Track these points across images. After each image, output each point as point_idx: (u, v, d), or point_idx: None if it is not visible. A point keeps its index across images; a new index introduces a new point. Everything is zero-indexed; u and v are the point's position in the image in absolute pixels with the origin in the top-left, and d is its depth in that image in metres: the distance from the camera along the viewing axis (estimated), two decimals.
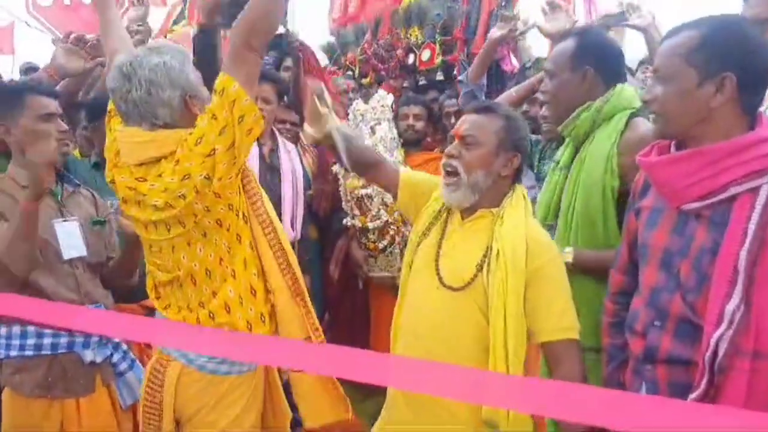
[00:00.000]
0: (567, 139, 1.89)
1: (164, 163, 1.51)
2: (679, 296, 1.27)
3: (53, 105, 1.91)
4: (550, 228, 1.84)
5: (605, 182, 1.70)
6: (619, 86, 1.78)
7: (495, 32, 2.68)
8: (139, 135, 1.54)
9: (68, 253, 1.87)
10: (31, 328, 1.83)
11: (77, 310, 1.57)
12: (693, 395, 1.19)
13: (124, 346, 2.02)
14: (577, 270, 1.69)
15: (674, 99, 1.30)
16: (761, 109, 1.34)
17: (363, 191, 2.91)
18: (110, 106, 1.65)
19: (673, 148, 1.36)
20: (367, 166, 1.80)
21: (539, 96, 1.90)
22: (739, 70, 1.23)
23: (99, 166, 2.38)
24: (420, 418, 1.55)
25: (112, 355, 1.96)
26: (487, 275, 1.48)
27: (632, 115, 1.76)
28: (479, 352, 1.48)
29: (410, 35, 3.42)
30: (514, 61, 3.07)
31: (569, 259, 1.71)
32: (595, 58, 1.77)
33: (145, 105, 1.52)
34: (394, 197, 1.77)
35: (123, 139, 1.58)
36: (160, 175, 1.50)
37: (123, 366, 1.98)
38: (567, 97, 1.80)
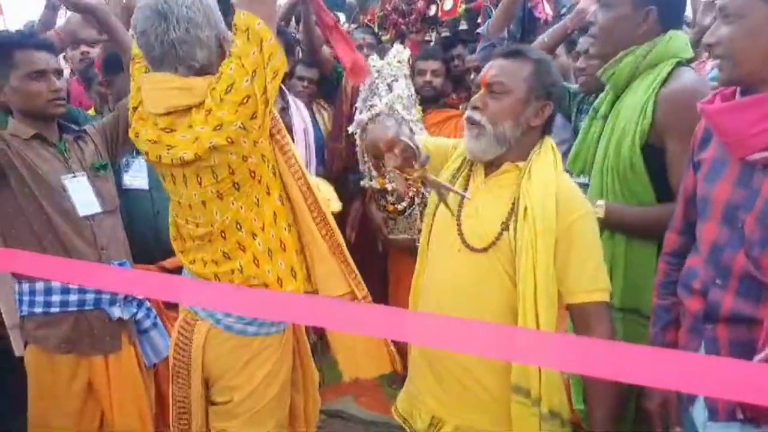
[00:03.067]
0: (607, 87, 1.75)
1: (194, 112, 1.40)
2: (743, 252, 1.18)
3: (44, 60, 1.79)
4: (584, 186, 1.73)
5: (635, 133, 1.58)
6: (670, 32, 1.64)
7: None
8: (172, 81, 1.42)
9: (83, 210, 1.83)
10: (56, 284, 1.79)
11: (99, 268, 1.50)
12: (760, 356, 1.10)
13: (148, 304, 2.00)
14: (608, 225, 1.60)
15: (746, 38, 1.18)
16: None
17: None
18: (135, 50, 1.53)
19: (738, 95, 1.25)
20: None
21: (589, 35, 1.77)
22: None
23: None
24: (446, 386, 1.47)
25: (137, 312, 1.94)
26: (514, 234, 1.38)
27: (678, 64, 1.61)
28: (506, 317, 1.39)
29: None
30: (548, 8, 2.87)
31: (601, 214, 1.60)
32: None
33: (184, 46, 1.39)
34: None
35: (151, 85, 1.45)
36: (190, 126, 1.39)
37: (147, 323, 1.97)
38: (621, 35, 1.65)
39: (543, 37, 2.43)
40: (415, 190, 2.84)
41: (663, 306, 1.43)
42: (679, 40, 1.63)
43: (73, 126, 1.97)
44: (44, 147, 1.83)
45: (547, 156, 1.44)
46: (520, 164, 1.44)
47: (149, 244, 2.17)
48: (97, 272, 1.18)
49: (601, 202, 1.63)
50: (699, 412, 1.27)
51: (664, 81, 1.58)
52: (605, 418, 1.36)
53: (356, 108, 2.89)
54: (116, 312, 1.85)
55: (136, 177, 2.23)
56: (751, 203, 1.17)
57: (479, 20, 3.06)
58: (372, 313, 0.78)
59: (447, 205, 1.45)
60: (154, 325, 1.99)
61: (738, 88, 1.25)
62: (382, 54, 2.89)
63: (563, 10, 2.90)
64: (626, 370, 0.61)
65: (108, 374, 1.84)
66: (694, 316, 1.28)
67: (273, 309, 0.98)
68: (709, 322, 1.23)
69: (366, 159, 2.89)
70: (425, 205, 2.83)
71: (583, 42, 2.24)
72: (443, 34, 3.22)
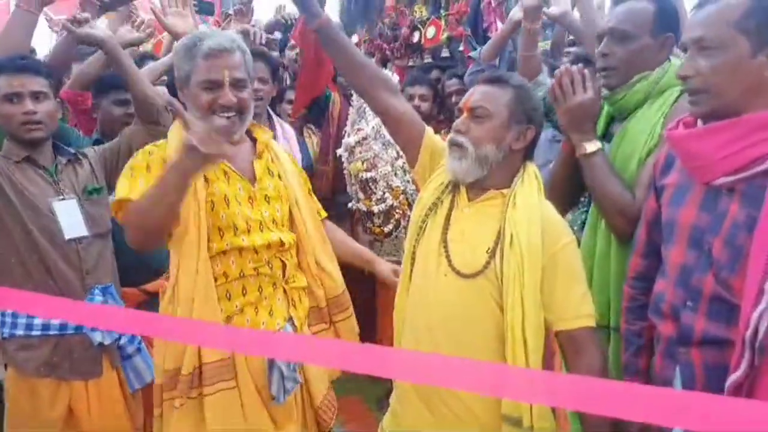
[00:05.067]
0: (603, 109, 1.78)
1: None
2: (712, 274, 1.21)
3: (19, 83, 1.77)
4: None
5: (642, 153, 1.60)
6: (674, 59, 1.68)
7: (517, 13, 2.58)
8: None
9: (69, 232, 1.83)
10: None
11: (76, 305, 1.50)
12: (733, 377, 1.13)
13: None
14: (586, 169, 1.62)
15: (724, 71, 1.20)
16: None
17: (367, 174, 2.86)
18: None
19: (699, 122, 1.29)
20: (361, 72, 1.67)
21: (598, 62, 1.71)
22: None
23: (101, 143, 2.29)
24: (434, 412, 1.47)
25: (119, 337, 1.92)
26: (501, 262, 1.40)
27: (682, 92, 1.63)
28: (494, 341, 1.41)
29: (415, 12, 3.32)
30: (501, 26, 2.96)
31: (592, 148, 1.61)
32: (675, 25, 1.65)
33: None
34: (413, 155, 1.65)
35: None
36: None
37: (130, 349, 1.95)
38: (642, 65, 1.64)
39: (479, 51, 2.54)
40: (401, 212, 2.88)
41: (633, 331, 1.45)
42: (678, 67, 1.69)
43: (69, 149, 1.97)
44: (34, 170, 1.84)
45: (531, 183, 1.47)
46: (505, 191, 1.47)
47: (133, 267, 2.14)
48: (76, 309, 1.23)
49: (598, 144, 1.64)
50: None
51: (671, 105, 1.60)
52: None
53: (345, 132, 2.94)
54: (97, 337, 1.84)
55: None
56: (718, 227, 1.20)
57: (461, 48, 3.14)
58: (362, 352, 0.79)
59: None
60: (138, 350, 1.98)
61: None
62: None
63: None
64: (607, 404, 0.64)
65: (88, 400, 1.83)
66: (667, 340, 1.30)
67: (259, 345, 1.00)
68: (683, 346, 1.25)
69: (353, 181, 2.93)
70: None
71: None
72: (426, 60, 3.30)
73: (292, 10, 3.42)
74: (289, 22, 3.05)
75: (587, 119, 1.64)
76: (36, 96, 1.80)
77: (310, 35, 2.60)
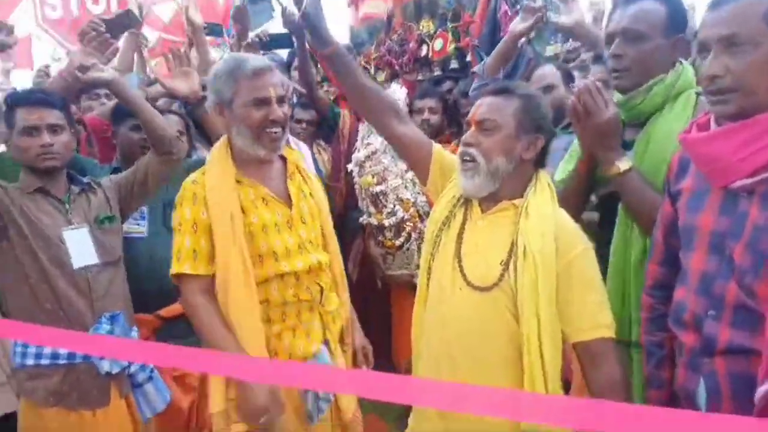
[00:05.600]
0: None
1: None
2: (735, 281, 1.16)
3: (37, 116, 1.82)
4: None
5: (672, 158, 1.53)
6: (685, 62, 1.64)
7: (517, 24, 2.56)
8: None
9: (78, 261, 1.84)
10: None
11: (83, 337, 1.53)
12: (764, 388, 1.07)
13: None
14: (621, 186, 1.57)
15: (757, 69, 1.14)
16: None
17: (378, 188, 2.86)
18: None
19: (713, 123, 1.25)
20: (369, 97, 1.67)
21: (610, 63, 1.67)
22: None
23: (120, 171, 2.30)
24: (453, 428, 1.45)
25: (129, 365, 1.91)
26: (515, 274, 1.37)
27: (698, 94, 1.60)
28: (511, 353, 1.38)
29: (422, 27, 3.33)
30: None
31: (626, 166, 1.55)
32: (684, 26, 1.61)
33: None
34: (424, 173, 1.65)
35: None
36: None
37: (141, 377, 1.94)
38: (654, 66, 1.60)
39: (482, 65, 2.53)
40: (411, 225, 2.86)
41: (653, 342, 1.41)
42: (690, 69, 1.64)
43: (83, 178, 1.99)
44: (47, 200, 1.86)
45: (543, 193, 1.46)
46: (517, 202, 1.45)
47: (147, 292, 2.14)
48: (86, 341, 1.26)
49: (630, 160, 1.58)
50: None
51: (694, 109, 1.57)
52: None
53: (355, 147, 2.94)
54: (105, 366, 1.82)
55: (135, 224, 2.24)
56: (739, 231, 1.16)
57: (468, 58, 3.14)
58: (384, 381, 0.81)
59: None
60: (150, 378, 1.96)
61: (712, 117, 1.25)
62: None
63: (531, 35, 2.97)
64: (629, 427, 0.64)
65: (97, 430, 1.81)
66: (690, 351, 1.25)
67: (278, 375, 1.03)
68: (707, 356, 1.21)
69: (363, 196, 2.93)
70: (422, 240, 2.89)
71: (596, 70, 2.24)
72: (435, 73, 3.30)
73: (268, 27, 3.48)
74: (264, 39, 3.07)
75: (615, 136, 1.59)
76: (53, 129, 1.85)
77: None
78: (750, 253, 1.14)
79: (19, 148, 1.83)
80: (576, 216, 1.79)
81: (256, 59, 1.72)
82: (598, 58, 2.35)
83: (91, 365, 1.82)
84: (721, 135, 1.20)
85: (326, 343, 1.76)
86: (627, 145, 1.63)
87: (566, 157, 1.86)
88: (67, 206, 1.89)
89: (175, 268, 1.64)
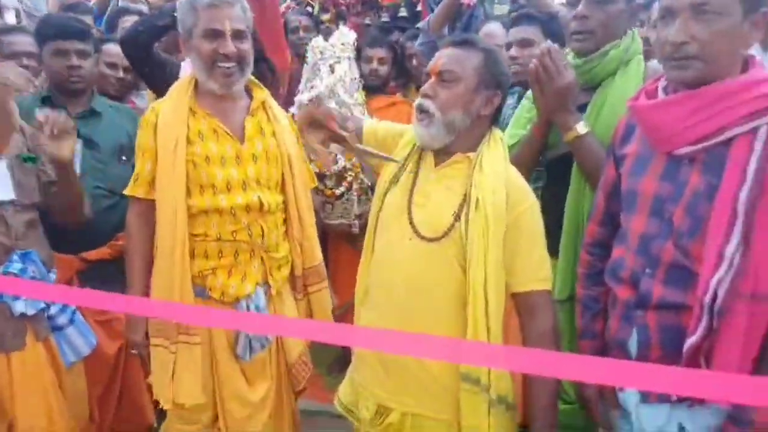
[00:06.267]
0: None
1: None
2: (672, 242, 1.24)
3: None
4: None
5: None
6: (634, 29, 1.68)
7: None
8: None
9: None
10: None
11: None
12: (691, 339, 1.18)
13: None
14: (578, 149, 1.62)
15: (723, 38, 1.18)
16: None
17: None
18: None
19: (661, 92, 1.30)
20: None
21: (572, 25, 1.68)
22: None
23: (49, 100, 2.14)
24: (393, 376, 1.48)
25: (48, 307, 1.80)
26: (466, 225, 1.40)
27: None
28: (457, 302, 1.42)
29: None
30: None
31: (583, 130, 1.61)
32: None
33: None
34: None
35: None
36: None
37: (62, 319, 1.83)
38: (615, 31, 1.62)
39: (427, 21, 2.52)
40: (353, 175, 2.83)
41: (590, 296, 1.48)
42: (638, 35, 1.69)
43: None
44: None
45: (497, 148, 1.47)
46: (471, 155, 1.46)
47: (78, 233, 2.02)
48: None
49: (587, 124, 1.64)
50: (630, 396, 1.35)
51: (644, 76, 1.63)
52: (548, 404, 1.42)
53: (298, 90, 2.84)
54: (19, 306, 1.71)
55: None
56: (679, 196, 1.23)
57: (418, 8, 3.08)
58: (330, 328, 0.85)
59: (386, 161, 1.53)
60: (71, 321, 1.87)
61: (660, 85, 1.30)
62: (327, 36, 2.84)
63: None
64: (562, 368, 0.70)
65: (11, 374, 1.71)
66: (624, 304, 1.33)
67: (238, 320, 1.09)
68: (640, 309, 1.29)
69: (304, 142, 2.85)
70: (363, 191, 2.88)
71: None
72: (383, 19, 3.22)
73: None
74: None
75: (572, 99, 1.63)
76: None
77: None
78: (688, 216, 1.22)
79: None
80: (527, 178, 1.85)
81: None
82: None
83: (3, 305, 1.70)
84: (669, 104, 1.25)
85: (267, 286, 1.76)
86: (580, 109, 1.68)
87: (512, 122, 1.90)
88: None
89: (125, 190, 1.75)
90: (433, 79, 1.47)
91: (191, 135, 1.66)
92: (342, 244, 2.91)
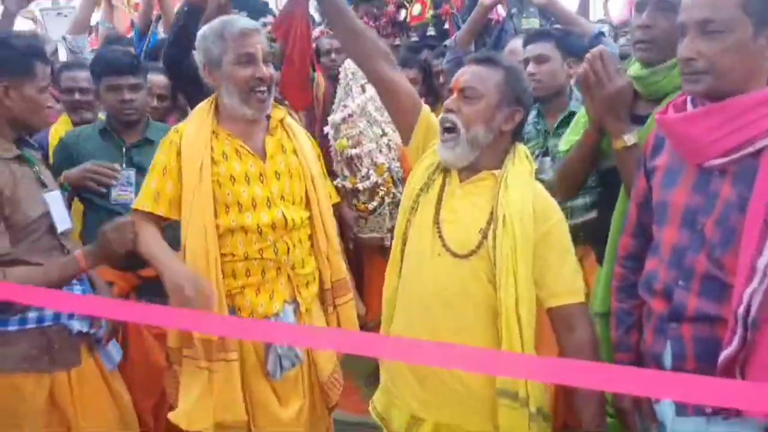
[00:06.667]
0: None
1: None
2: (705, 254, 1.25)
3: None
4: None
5: None
6: None
7: None
8: None
9: (61, 225, 1.76)
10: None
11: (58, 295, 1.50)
12: (726, 352, 1.18)
13: None
14: (623, 160, 1.60)
15: (730, 54, 1.20)
16: None
17: (353, 151, 2.86)
18: None
19: (689, 105, 1.31)
20: (361, 40, 1.65)
21: (635, 34, 1.61)
22: None
23: (106, 131, 2.27)
24: (429, 389, 1.50)
25: (92, 323, 1.87)
26: (494, 242, 1.43)
27: None
28: (488, 318, 1.45)
29: None
30: (500, 9, 2.99)
31: (632, 141, 1.57)
32: None
33: None
34: (407, 130, 1.64)
35: None
36: None
37: (101, 333, 1.91)
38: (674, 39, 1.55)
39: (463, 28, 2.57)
40: (385, 189, 2.89)
41: (624, 309, 1.48)
42: None
43: (30, 140, 1.89)
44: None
45: (522, 165, 1.50)
46: (496, 173, 1.49)
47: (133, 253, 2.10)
48: (55, 298, 1.28)
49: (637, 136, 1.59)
50: (666, 408, 1.35)
51: None
52: (595, 413, 1.43)
53: (331, 110, 2.93)
54: (76, 325, 1.79)
55: (123, 191, 2.19)
56: (710, 207, 1.24)
57: (446, 26, 3.14)
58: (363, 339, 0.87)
59: None
60: (112, 333, 1.96)
61: (689, 97, 1.31)
62: None
63: (514, 11, 3.01)
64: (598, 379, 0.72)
65: (71, 389, 1.78)
66: (658, 317, 1.34)
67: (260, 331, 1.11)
68: (674, 322, 1.29)
69: (339, 159, 2.93)
70: (395, 205, 2.93)
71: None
72: (412, 39, 3.29)
73: None
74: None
75: (624, 106, 1.60)
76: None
77: (291, 29, 2.60)
78: (720, 228, 1.23)
79: None
80: (575, 188, 1.83)
81: (244, 20, 1.75)
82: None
83: (62, 326, 1.77)
84: (696, 117, 1.27)
85: (296, 304, 1.79)
86: (642, 119, 1.64)
87: (571, 128, 1.89)
88: (35, 168, 1.79)
89: (135, 204, 1.75)
90: (455, 95, 1.51)
91: (215, 156, 1.70)
92: (375, 257, 2.96)
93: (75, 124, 2.54)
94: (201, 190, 1.66)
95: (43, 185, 1.78)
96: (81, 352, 1.83)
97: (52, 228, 1.75)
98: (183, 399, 1.70)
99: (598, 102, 1.61)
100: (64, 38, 3.05)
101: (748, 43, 1.20)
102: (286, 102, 2.84)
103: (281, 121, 1.83)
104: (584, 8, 3.60)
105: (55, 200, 1.78)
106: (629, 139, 1.58)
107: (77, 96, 2.53)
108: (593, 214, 2.02)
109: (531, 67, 2.15)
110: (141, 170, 2.20)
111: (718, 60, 1.21)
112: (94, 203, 2.19)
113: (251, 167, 1.72)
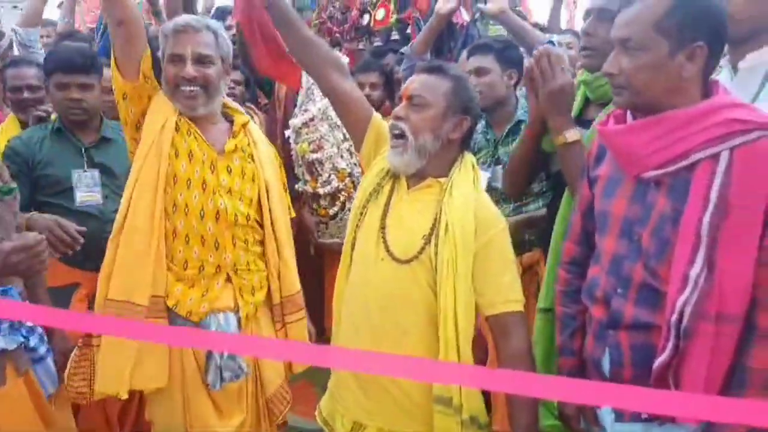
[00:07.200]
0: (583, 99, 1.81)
1: None
2: (641, 263, 1.28)
3: None
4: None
5: None
6: None
7: (442, 6, 2.63)
8: None
9: None
10: None
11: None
12: (660, 359, 1.21)
13: (40, 329, 1.77)
14: (564, 157, 1.65)
15: (645, 71, 1.25)
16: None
17: (314, 156, 2.86)
18: None
19: (629, 117, 1.35)
20: (311, 49, 1.68)
21: (582, 41, 1.70)
22: (709, 39, 1.22)
23: (60, 131, 2.20)
24: (371, 396, 1.52)
25: (27, 339, 1.71)
26: (435, 249, 1.45)
27: None
28: (427, 323, 1.47)
29: None
30: (465, 14, 3.02)
31: (573, 138, 1.62)
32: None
33: None
34: (359, 138, 1.67)
35: None
36: None
37: (42, 350, 1.75)
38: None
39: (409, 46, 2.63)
40: (346, 195, 2.89)
41: (568, 314, 1.51)
42: None
43: None
44: None
45: (467, 173, 1.53)
46: (442, 180, 1.51)
47: (97, 252, 1.98)
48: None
49: (579, 132, 1.65)
50: (606, 414, 1.38)
51: None
52: (529, 422, 1.46)
53: (293, 113, 2.91)
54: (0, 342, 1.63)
55: (88, 193, 2.14)
56: (646, 218, 1.27)
57: (408, 30, 3.16)
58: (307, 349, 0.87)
59: None
60: (49, 350, 1.78)
61: (629, 111, 1.34)
62: None
63: (477, 15, 3.05)
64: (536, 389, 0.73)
65: None
66: (598, 323, 1.37)
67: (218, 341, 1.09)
68: (612, 329, 1.32)
69: (300, 163, 2.92)
70: None
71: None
72: (375, 44, 3.30)
73: None
74: None
75: (567, 103, 1.65)
76: None
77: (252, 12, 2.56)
78: (655, 239, 1.26)
79: None
80: (521, 184, 1.87)
81: (186, 18, 1.77)
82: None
83: None
84: (634, 129, 1.30)
85: (237, 311, 1.77)
86: (587, 123, 1.70)
87: (520, 137, 1.94)
88: None
89: None
90: (404, 102, 1.53)
91: (179, 127, 1.73)
92: (336, 263, 2.93)
93: (24, 124, 2.46)
94: (160, 142, 1.69)
95: None
96: (5, 372, 1.64)
97: None
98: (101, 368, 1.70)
99: (541, 97, 1.66)
100: (14, 30, 2.94)
101: (664, 62, 1.24)
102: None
103: (244, 125, 1.84)
104: (555, 18, 3.68)
105: None
106: (570, 135, 1.62)
107: (25, 94, 2.45)
108: (542, 211, 2.08)
109: (472, 79, 2.19)
110: (104, 170, 2.18)
111: (633, 76, 1.26)
112: (55, 206, 2.06)
113: (204, 155, 1.74)
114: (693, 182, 1.21)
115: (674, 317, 1.19)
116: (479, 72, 2.21)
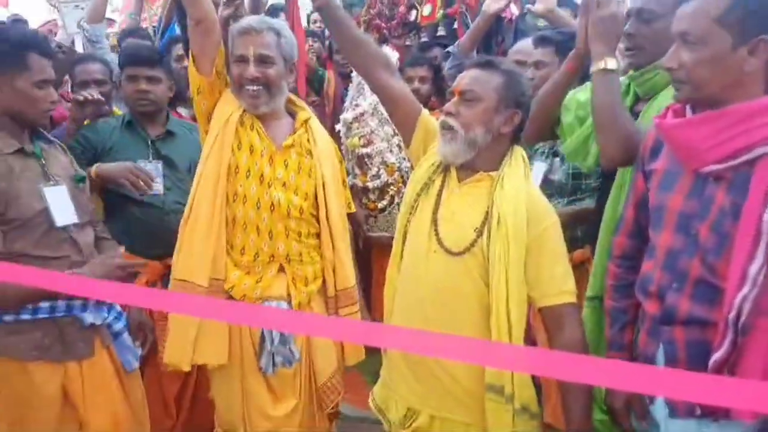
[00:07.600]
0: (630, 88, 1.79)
1: None
2: (698, 258, 1.27)
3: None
4: None
5: None
6: None
7: (490, 5, 2.63)
8: None
9: (61, 219, 1.76)
10: None
11: (70, 277, 1.51)
12: (716, 355, 1.20)
13: (118, 307, 1.94)
14: (598, 83, 1.60)
15: (706, 65, 1.24)
16: None
17: (363, 150, 2.90)
18: None
19: (689, 111, 1.34)
20: (361, 48, 1.72)
21: (624, 42, 1.70)
22: None
23: (131, 124, 2.32)
24: (422, 381, 1.55)
25: (107, 316, 1.89)
26: (487, 241, 1.47)
27: None
28: (480, 315, 1.49)
29: None
30: (514, 8, 3.02)
31: (612, 66, 1.58)
32: None
33: None
34: (408, 134, 1.70)
35: None
36: None
37: (119, 326, 1.92)
38: (667, 44, 1.51)
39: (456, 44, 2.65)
40: (395, 189, 2.93)
41: (618, 308, 1.51)
42: None
43: (45, 134, 1.91)
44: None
45: (518, 167, 1.54)
46: (493, 174, 1.53)
47: (162, 242, 2.11)
48: (65, 280, 1.25)
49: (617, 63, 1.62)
50: (659, 409, 1.37)
51: None
52: (582, 413, 1.46)
53: (343, 108, 2.98)
54: (89, 318, 1.80)
55: (155, 183, 2.21)
56: (705, 213, 1.26)
57: (455, 26, 3.17)
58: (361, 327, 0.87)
59: None
60: (126, 327, 1.96)
61: (688, 104, 1.33)
62: None
63: (526, 10, 3.02)
64: (591, 375, 0.72)
65: (82, 379, 1.80)
66: (652, 319, 1.36)
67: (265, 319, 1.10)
68: (667, 324, 1.32)
69: (350, 157, 2.98)
70: None
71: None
72: (422, 39, 3.32)
73: None
74: None
75: (615, 34, 1.62)
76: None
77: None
78: (714, 234, 1.25)
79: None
80: (545, 123, 1.89)
81: (250, 20, 1.84)
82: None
83: (74, 318, 1.79)
84: (693, 123, 1.29)
85: (289, 300, 1.84)
86: (634, 116, 1.68)
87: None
88: (42, 161, 1.80)
89: None
90: (456, 98, 1.55)
91: (241, 130, 1.82)
92: (385, 256, 2.98)
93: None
94: (224, 134, 1.78)
95: (48, 179, 1.78)
96: (94, 345, 1.85)
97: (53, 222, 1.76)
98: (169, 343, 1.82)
99: (592, 24, 1.62)
100: (81, 27, 3.05)
101: (725, 56, 1.22)
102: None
103: (305, 122, 1.91)
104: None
105: (57, 194, 1.78)
106: (609, 62, 1.59)
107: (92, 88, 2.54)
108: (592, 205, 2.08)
109: (530, 72, 2.19)
110: (168, 162, 2.28)
111: (693, 70, 1.25)
112: (119, 195, 2.18)
113: (264, 149, 1.82)
114: (754, 177, 1.19)
115: (733, 313, 1.18)
116: (537, 65, 2.21)
